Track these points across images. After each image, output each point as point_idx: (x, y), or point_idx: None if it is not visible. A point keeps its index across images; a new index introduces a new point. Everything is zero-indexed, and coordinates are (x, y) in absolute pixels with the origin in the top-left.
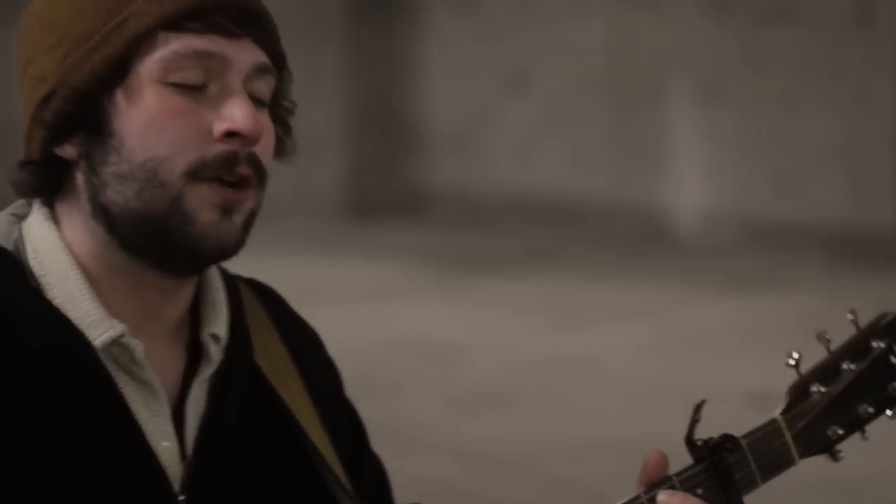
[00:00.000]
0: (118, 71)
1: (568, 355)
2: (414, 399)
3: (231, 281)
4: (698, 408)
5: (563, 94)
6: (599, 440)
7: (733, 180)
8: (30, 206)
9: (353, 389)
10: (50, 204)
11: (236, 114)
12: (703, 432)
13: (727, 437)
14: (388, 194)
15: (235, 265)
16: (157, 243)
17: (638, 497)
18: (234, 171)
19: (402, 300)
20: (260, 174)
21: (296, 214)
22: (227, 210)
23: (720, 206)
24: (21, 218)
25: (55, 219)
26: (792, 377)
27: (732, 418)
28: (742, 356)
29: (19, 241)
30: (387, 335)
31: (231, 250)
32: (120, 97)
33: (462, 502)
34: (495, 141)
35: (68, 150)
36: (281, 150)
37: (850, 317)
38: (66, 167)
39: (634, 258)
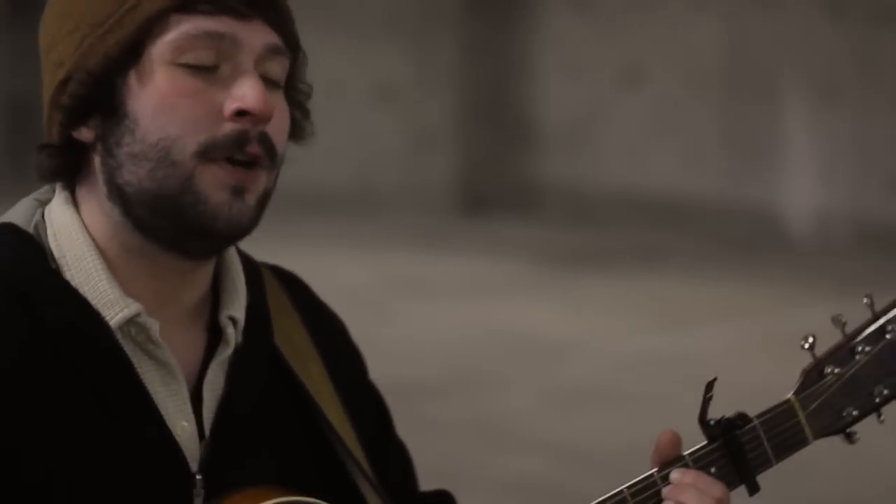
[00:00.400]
0: (131, 53)
1: (671, 354)
2: (514, 394)
3: (253, 266)
4: (710, 385)
5: (677, 92)
6: (696, 442)
7: (846, 181)
8: (53, 191)
9: (455, 383)
10: (71, 187)
11: (247, 93)
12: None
13: (740, 416)
14: (500, 190)
15: (347, 256)
16: (170, 223)
17: (650, 475)
18: (245, 150)
19: (509, 296)
20: (271, 154)
21: (407, 208)
22: (238, 190)
23: (832, 206)
24: (44, 203)
25: (75, 202)
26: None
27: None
28: None
29: (40, 225)
30: (491, 330)
31: (243, 230)
32: (133, 79)
33: (556, 498)
34: (607, 138)
35: (85, 133)
36: (298, 132)
37: (865, 301)
38: (84, 150)
39: (744, 258)
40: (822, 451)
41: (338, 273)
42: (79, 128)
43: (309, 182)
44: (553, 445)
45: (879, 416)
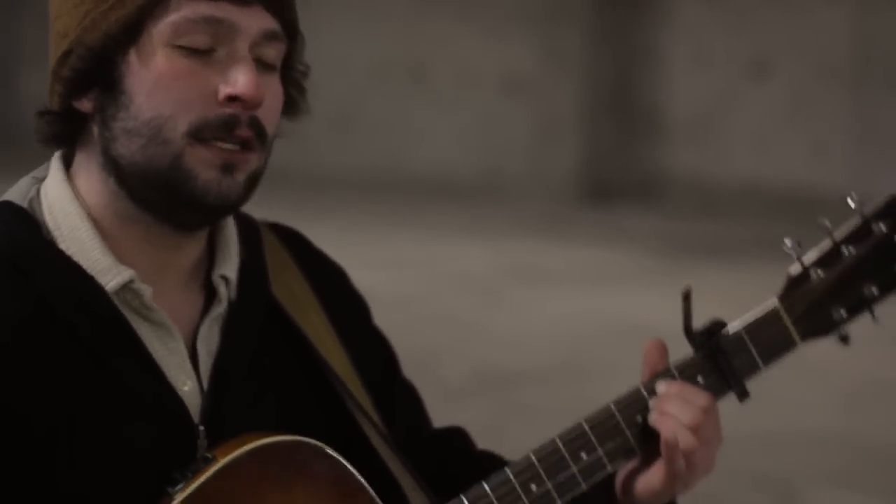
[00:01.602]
0: (131, 32)
1: None
2: (619, 383)
3: (250, 224)
4: (687, 295)
5: (805, 84)
6: (797, 433)
7: None
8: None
9: (559, 370)
10: (68, 156)
11: (239, 80)
12: None
13: (717, 323)
14: (624, 179)
15: (468, 244)
16: (161, 197)
17: (636, 388)
18: (234, 133)
19: (625, 285)
20: (261, 136)
21: (532, 197)
22: (227, 168)
23: None
24: (41, 180)
25: (71, 172)
26: None
27: None
28: None
29: (34, 200)
30: (602, 319)
31: (233, 205)
32: (132, 57)
33: None
34: (734, 129)
35: (85, 104)
36: (293, 109)
37: (850, 203)
38: (83, 119)
39: None
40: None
41: (457, 260)
42: (79, 98)
43: (436, 169)
44: None
45: (873, 315)
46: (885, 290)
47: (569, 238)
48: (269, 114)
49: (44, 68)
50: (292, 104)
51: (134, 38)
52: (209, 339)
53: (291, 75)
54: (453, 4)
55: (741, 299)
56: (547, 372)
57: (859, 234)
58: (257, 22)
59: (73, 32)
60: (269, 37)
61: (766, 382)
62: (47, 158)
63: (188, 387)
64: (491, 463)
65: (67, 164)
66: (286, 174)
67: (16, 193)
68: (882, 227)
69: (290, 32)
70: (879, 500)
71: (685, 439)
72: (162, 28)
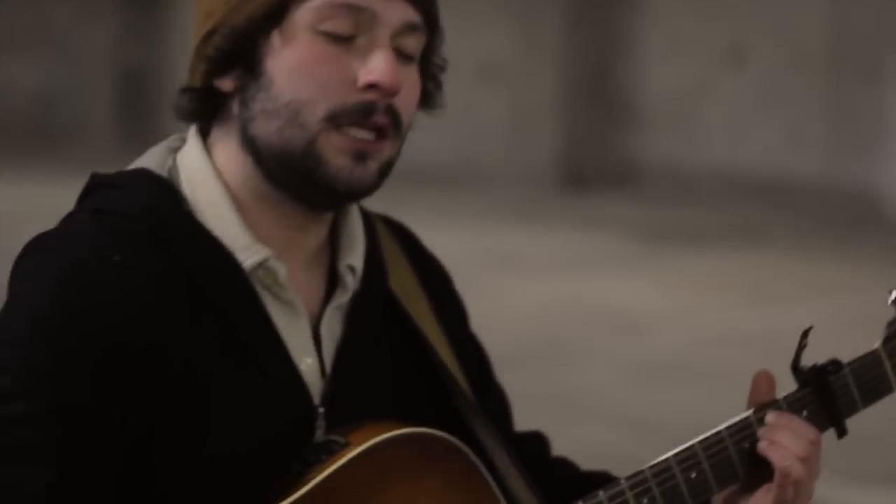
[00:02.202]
0: (275, 16)
1: (759, 331)
2: (594, 367)
3: (367, 216)
4: (805, 334)
5: (780, 71)
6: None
7: None
8: (183, 140)
9: (535, 355)
10: (205, 132)
11: (379, 67)
12: (888, 415)
13: (832, 362)
14: (601, 166)
15: (446, 230)
16: (295, 178)
17: (747, 416)
18: (371, 119)
19: (602, 271)
20: (397, 124)
21: (509, 184)
22: (360, 156)
23: None
24: (175, 150)
25: (208, 148)
26: None
27: None
28: None
29: (173, 170)
30: (578, 304)
31: (363, 193)
32: (275, 40)
33: (630, 471)
34: (709, 116)
35: (226, 83)
36: (429, 102)
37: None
38: (222, 97)
39: (841, 237)
40: None
41: (436, 247)
42: (220, 77)
43: (413, 156)
44: (630, 419)
45: None
46: None
47: (546, 224)
48: (406, 103)
49: (19, 54)
50: (428, 96)
51: (277, 21)
52: (332, 325)
53: (429, 68)
54: None
55: (717, 285)
56: (525, 357)
57: None
58: (399, 12)
59: (217, 13)
60: (410, 28)
61: (743, 366)
62: (29, 145)
63: (310, 367)
64: (565, 468)
65: (203, 138)
66: None
67: (153, 162)
68: None
69: (431, 25)
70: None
71: (797, 469)
72: (305, 13)
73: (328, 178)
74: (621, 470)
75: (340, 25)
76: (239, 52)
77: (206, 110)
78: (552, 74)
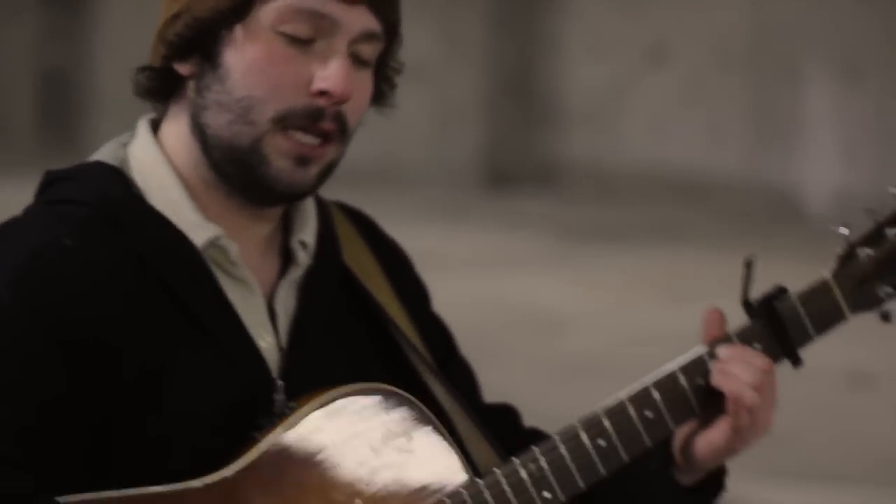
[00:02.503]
0: (239, 11)
1: (680, 328)
2: (519, 366)
3: (321, 202)
4: (749, 264)
5: (701, 70)
6: None
7: (868, 161)
8: (133, 136)
9: (467, 355)
10: (158, 117)
11: (332, 75)
12: (801, 411)
13: (779, 289)
14: (524, 166)
15: None
16: (238, 173)
17: (698, 352)
18: (318, 125)
19: (524, 270)
20: (343, 129)
21: (432, 183)
22: (302, 160)
23: (853, 186)
24: (126, 144)
25: (159, 135)
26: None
27: (828, 398)
28: (847, 337)
29: (124, 161)
30: (499, 303)
31: (301, 195)
32: (237, 33)
33: None
34: (631, 115)
35: (184, 68)
36: (381, 100)
37: (893, 190)
38: (180, 79)
39: (761, 235)
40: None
41: None
42: (179, 62)
43: None
44: (552, 417)
45: None
46: None
47: (469, 224)
48: (355, 108)
49: None
50: (382, 97)
51: (241, 16)
52: (286, 300)
53: (385, 71)
54: None
55: (638, 283)
56: None
57: None
58: (359, 21)
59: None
60: (369, 36)
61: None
62: None
63: (266, 342)
64: (539, 438)
65: (153, 129)
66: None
67: (104, 154)
68: None
69: (390, 32)
70: None
71: (750, 396)
72: (269, 12)
73: (268, 177)
74: None
75: (301, 29)
76: (199, 41)
77: (161, 90)
78: (474, 74)
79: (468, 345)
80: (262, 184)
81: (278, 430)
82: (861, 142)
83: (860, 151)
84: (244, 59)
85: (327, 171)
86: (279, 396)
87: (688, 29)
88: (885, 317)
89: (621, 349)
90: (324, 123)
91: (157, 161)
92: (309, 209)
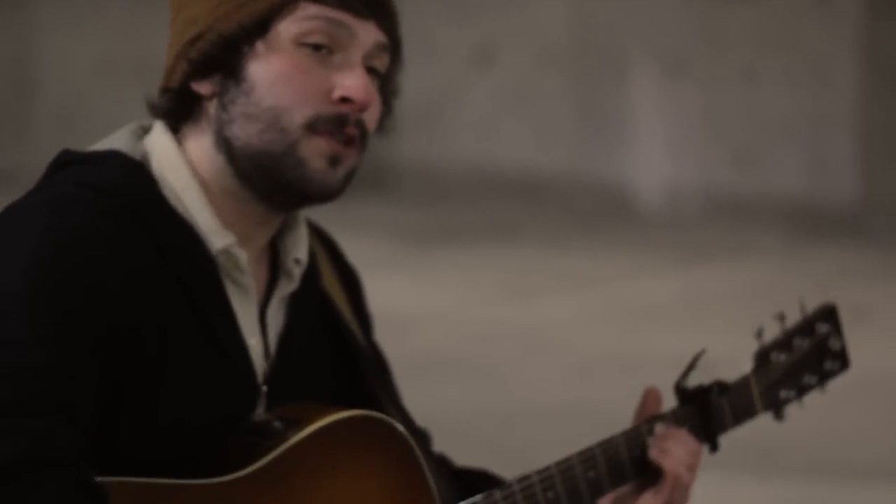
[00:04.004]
0: (261, 27)
1: (517, 325)
2: None
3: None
4: (696, 357)
5: (528, 71)
6: (534, 407)
7: (695, 155)
8: (143, 129)
9: None
10: (175, 127)
11: (354, 83)
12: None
13: (717, 384)
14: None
15: None
16: (269, 178)
17: (639, 426)
18: (344, 130)
19: (364, 273)
20: (364, 137)
21: None
22: (334, 161)
23: (682, 180)
24: (140, 137)
25: (178, 138)
26: (733, 347)
27: (670, 385)
28: (688, 325)
29: (145, 156)
30: None
31: (331, 196)
32: (259, 48)
33: None
34: (461, 116)
35: (204, 87)
36: (382, 124)
37: (798, 303)
38: (197, 100)
39: (595, 231)
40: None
41: None
42: (199, 80)
43: None
44: None
45: (801, 402)
46: (818, 382)
47: None
48: (372, 117)
49: None
50: (386, 112)
51: (262, 32)
52: (276, 313)
53: (388, 88)
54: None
55: (475, 281)
56: None
57: (807, 330)
58: (371, 35)
59: (203, 20)
60: (381, 48)
61: (504, 358)
62: None
63: (255, 349)
64: (445, 465)
65: (178, 128)
66: (10, 175)
67: (122, 144)
68: (824, 328)
69: (395, 50)
70: None
71: (687, 476)
72: (289, 25)
73: (304, 179)
74: None
75: (321, 38)
76: (223, 58)
77: (179, 111)
78: None
79: None
80: (294, 185)
81: (288, 441)
82: (687, 136)
83: (686, 146)
84: (269, 71)
85: (350, 177)
86: (261, 401)
87: (513, 30)
88: (780, 417)
89: (463, 346)
90: (348, 129)
91: (178, 162)
92: (303, 227)
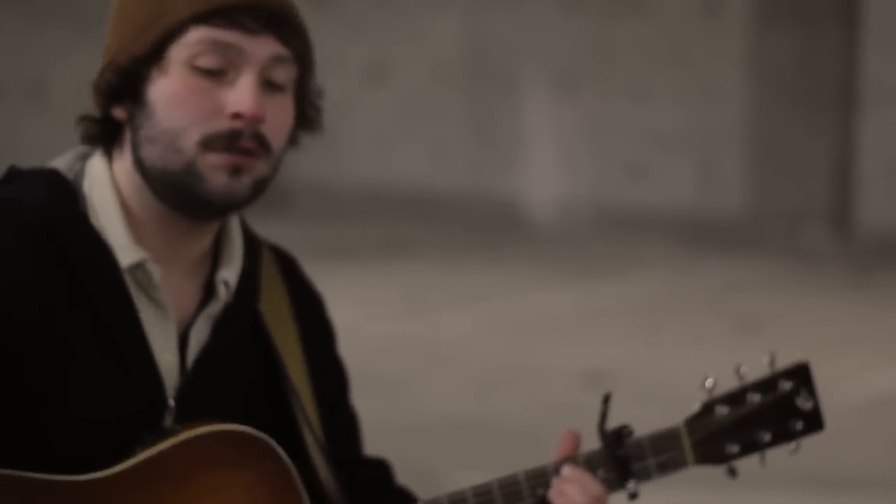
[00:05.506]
0: (156, 53)
1: (415, 340)
2: None
3: (254, 240)
4: (606, 398)
5: (421, 87)
6: (434, 420)
7: (587, 169)
8: (93, 152)
9: None
10: (109, 149)
11: (240, 98)
12: (540, 411)
13: (625, 427)
14: None
15: None
16: (178, 194)
17: (546, 466)
18: (238, 144)
19: None
20: (265, 147)
21: None
22: (235, 171)
23: (574, 194)
24: (86, 157)
25: (111, 161)
26: (627, 358)
27: (566, 396)
28: (581, 338)
29: (79, 173)
30: None
31: (239, 205)
32: (156, 74)
33: None
34: (355, 134)
35: (119, 113)
36: (308, 125)
37: (765, 360)
38: (118, 125)
39: (490, 246)
40: None
41: None
42: (114, 107)
43: None
44: None
45: (763, 458)
46: (777, 440)
47: None
48: (274, 129)
49: None
50: (307, 121)
51: (158, 58)
52: (200, 331)
53: (306, 95)
54: (72, 17)
55: (372, 298)
56: None
57: (766, 387)
58: (266, 48)
59: (110, 52)
60: (279, 60)
61: (403, 373)
62: None
63: (169, 364)
64: (406, 497)
65: (109, 151)
66: None
67: (63, 163)
68: (787, 385)
69: (300, 58)
70: None
71: None
72: (180, 50)
73: (207, 192)
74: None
75: (210, 61)
76: (126, 86)
77: (103, 136)
78: None
79: None
80: (200, 199)
81: (158, 446)
82: (578, 151)
83: (578, 160)
84: (164, 95)
85: (261, 186)
86: (169, 415)
87: (405, 47)
88: (732, 472)
89: (362, 362)
90: (243, 143)
91: (105, 181)
92: (236, 249)
